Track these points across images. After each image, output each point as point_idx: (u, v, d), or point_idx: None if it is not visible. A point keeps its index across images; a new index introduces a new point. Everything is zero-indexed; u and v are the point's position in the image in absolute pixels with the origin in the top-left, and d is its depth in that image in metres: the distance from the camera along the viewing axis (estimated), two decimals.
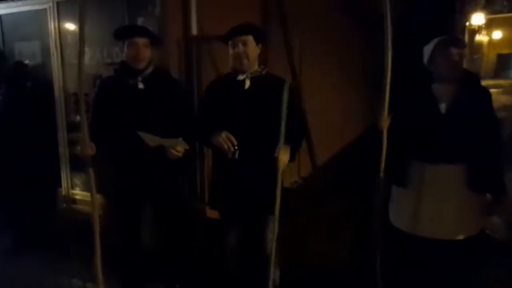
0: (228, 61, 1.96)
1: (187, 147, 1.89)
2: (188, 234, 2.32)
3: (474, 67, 22.03)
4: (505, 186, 1.80)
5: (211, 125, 1.90)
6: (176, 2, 2.69)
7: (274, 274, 1.97)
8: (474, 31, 18.74)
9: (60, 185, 3.28)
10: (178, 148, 1.89)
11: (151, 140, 1.83)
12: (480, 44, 22.29)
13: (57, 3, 3.09)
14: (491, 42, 24.00)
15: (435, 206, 1.85)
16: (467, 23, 15.85)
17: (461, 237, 1.84)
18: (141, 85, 1.96)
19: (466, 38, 15.96)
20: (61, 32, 3.11)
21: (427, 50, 1.89)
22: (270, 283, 1.90)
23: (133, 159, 1.96)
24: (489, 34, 22.53)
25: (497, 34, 22.47)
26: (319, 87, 3.46)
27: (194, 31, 2.72)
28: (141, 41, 1.94)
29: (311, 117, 3.25)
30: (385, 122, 1.84)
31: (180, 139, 1.83)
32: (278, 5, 2.98)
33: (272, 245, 1.88)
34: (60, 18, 3.10)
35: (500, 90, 13.20)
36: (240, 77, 1.92)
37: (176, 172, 2.07)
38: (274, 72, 2.02)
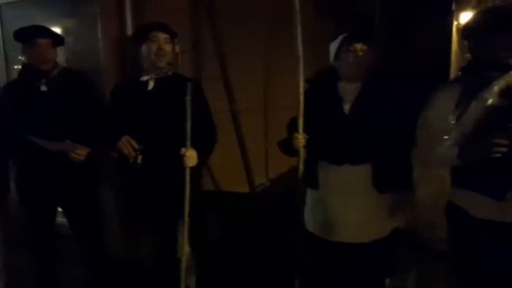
0: None
1: (87, 150, 1.85)
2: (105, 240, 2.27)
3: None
4: (411, 185, 1.75)
5: (117, 129, 1.85)
6: (112, 1, 2.65)
7: (188, 279, 1.92)
8: None
9: None
10: (78, 151, 1.85)
11: (47, 144, 1.80)
12: None
13: (0, 6, 3.07)
14: None
15: (341, 209, 1.80)
16: (456, 22, 15.92)
17: (366, 240, 1.79)
18: (44, 88, 1.92)
19: (456, 37, 17.53)
20: (4, 35, 3.08)
21: (333, 46, 1.81)
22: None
23: (36, 163, 1.93)
24: None
25: None
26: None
27: (129, 31, 2.66)
28: (44, 42, 1.90)
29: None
30: (300, 140, 1.77)
31: (68, 141, 1.79)
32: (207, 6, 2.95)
33: (183, 249, 1.83)
34: (3, 21, 3.08)
35: None
36: (144, 78, 1.87)
37: (86, 176, 2.03)
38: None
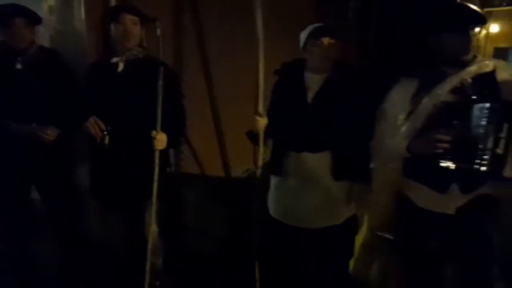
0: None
1: (58, 131, 1.89)
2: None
3: None
4: (368, 175, 1.79)
5: (87, 109, 1.87)
6: None
7: (155, 258, 1.98)
8: None
9: None
10: (48, 131, 1.89)
11: (15, 127, 1.85)
12: (476, 38, 22.33)
13: None
14: (488, 35, 24.21)
15: (299, 195, 1.86)
16: None
17: (322, 225, 1.86)
18: (19, 66, 1.94)
19: None
20: None
21: (302, 36, 1.86)
22: (148, 267, 1.90)
23: (13, 144, 1.97)
24: (486, 27, 21.87)
25: (495, 28, 22.12)
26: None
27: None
28: (20, 21, 1.91)
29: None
30: (261, 122, 1.82)
31: (34, 125, 1.84)
32: None
33: (151, 229, 1.88)
34: None
35: None
36: (114, 60, 1.88)
37: (59, 156, 2.07)
38: None
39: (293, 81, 1.89)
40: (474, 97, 1.46)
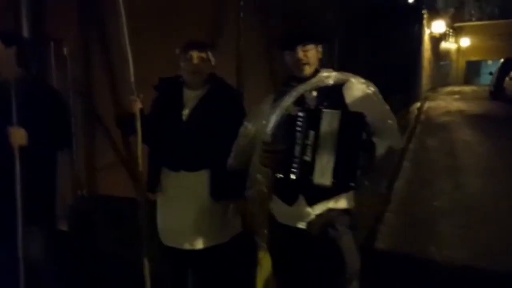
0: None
1: None
2: None
3: (440, 73, 21.80)
4: (241, 192, 1.73)
5: None
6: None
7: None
8: (439, 39, 18.85)
9: None
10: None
11: None
12: (448, 52, 23.37)
13: None
14: (460, 50, 24.87)
15: (177, 215, 1.87)
16: (428, 31, 15.21)
17: (201, 246, 1.85)
18: None
19: (430, 46, 16.47)
20: None
21: (178, 52, 1.85)
22: None
23: None
24: (457, 41, 24.24)
25: (466, 42, 24.13)
26: None
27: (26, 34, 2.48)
28: None
29: None
30: (136, 104, 1.82)
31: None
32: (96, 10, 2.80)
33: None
34: None
35: (455, 96, 14.79)
36: None
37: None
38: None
39: (171, 98, 1.89)
40: (309, 107, 1.50)
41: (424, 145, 7.62)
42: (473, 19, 24.26)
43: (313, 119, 1.46)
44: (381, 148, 1.51)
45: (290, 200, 1.62)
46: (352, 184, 1.44)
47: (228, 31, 2.98)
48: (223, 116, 1.85)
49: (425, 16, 14.08)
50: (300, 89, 1.61)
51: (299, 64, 1.62)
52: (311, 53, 1.64)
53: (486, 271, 2.92)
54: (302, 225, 1.61)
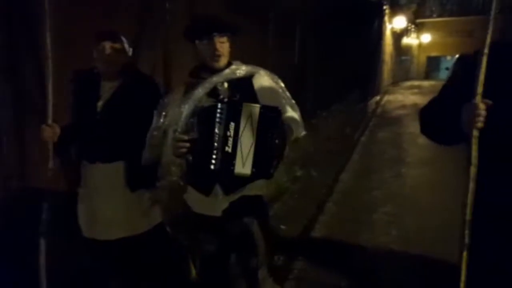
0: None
1: None
2: None
3: (402, 68, 22.48)
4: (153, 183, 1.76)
5: None
6: None
7: None
8: (400, 34, 19.07)
9: None
10: None
11: None
12: (409, 47, 23.87)
13: None
14: (421, 45, 25.53)
15: (95, 206, 1.87)
16: (391, 26, 15.34)
17: (119, 236, 1.85)
18: None
19: (392, 41, 16.83)
20: None
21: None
22: None
23: None
24: (419, 37, 24.95)
25: (427, 38, 24.96)
26: None
27: None
28: None
29: None
30: (47, 131, 1.77)
31: None
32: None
33: None
34: None
35: (414, 91, 15.16)
36: None
37: None
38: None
39: (88, 90, 1.86)
40: (225, 99, 1.52)
41: (375, 137, 7.94)
42: (434, 15, 25.05)
43: (233, 112, 1.49)
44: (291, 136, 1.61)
45: (206, 190, 1.65)
46: (272, 171, 1.51)
47: (154, 24, 2.96)
48: (139, 107, 1.82)
49: (386, 11, 14.24)
50: (213, 80, 1.62)
51: (215, 55, 1.63)
52: (226, 45, 1.66)
53: (414, 258, 3.07)
54: (218, 213, 1.66)
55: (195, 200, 1.73)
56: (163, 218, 2.03)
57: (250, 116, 1.49)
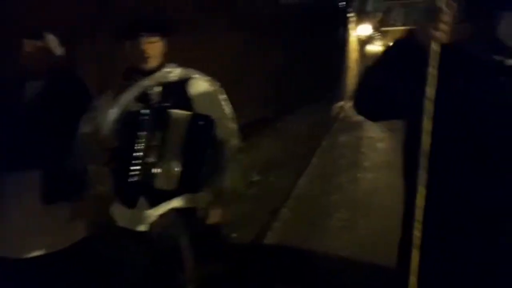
0: None
1: None
2: None
3: None
4: (78, 194, 1.68)
5: None
6: None
7: None
8: (366, 41, 18.86)
9: None
10: None
11: None
12: (374, 54, 21.09)
13: None
14: None
15: (7, 222, 1.71)
16: (356, 34, 15.38)
17: (32, 255, 1.71)
18: None
19: (358, 47, 16.95)
20: None
21: None
22: None
23: None
24: (384, 45, 23.16)
25: None
26: None
27: None
28: None
29: None
30: None
31: None
32: None
33: None
34: None
35: None
36: None
37: None
38: None
39: (16, 89, 1.73)
40: (156, 104, 1.43)
41: (336, 142, 7.99)
42: (398, 24, 25.28)
43: (160, 119, 1.40)
44: (228, 147, 1.57)
45: (130, 202, 1.57)
46: (198, 187, 1.44)
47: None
48: (63, 110, 1.69)
49: (352, 19, 15.12)
50: (143, 84, 1.53)
51: (143, 56, 1.54)
52: (157, 45, 1.56)
53: (365, 262, 3.04)
54: (143, 227, 1.57)
55: (120, 213, 1.63)
56: (87, 232, 1.88)
57: (178, 124, 1.40)
